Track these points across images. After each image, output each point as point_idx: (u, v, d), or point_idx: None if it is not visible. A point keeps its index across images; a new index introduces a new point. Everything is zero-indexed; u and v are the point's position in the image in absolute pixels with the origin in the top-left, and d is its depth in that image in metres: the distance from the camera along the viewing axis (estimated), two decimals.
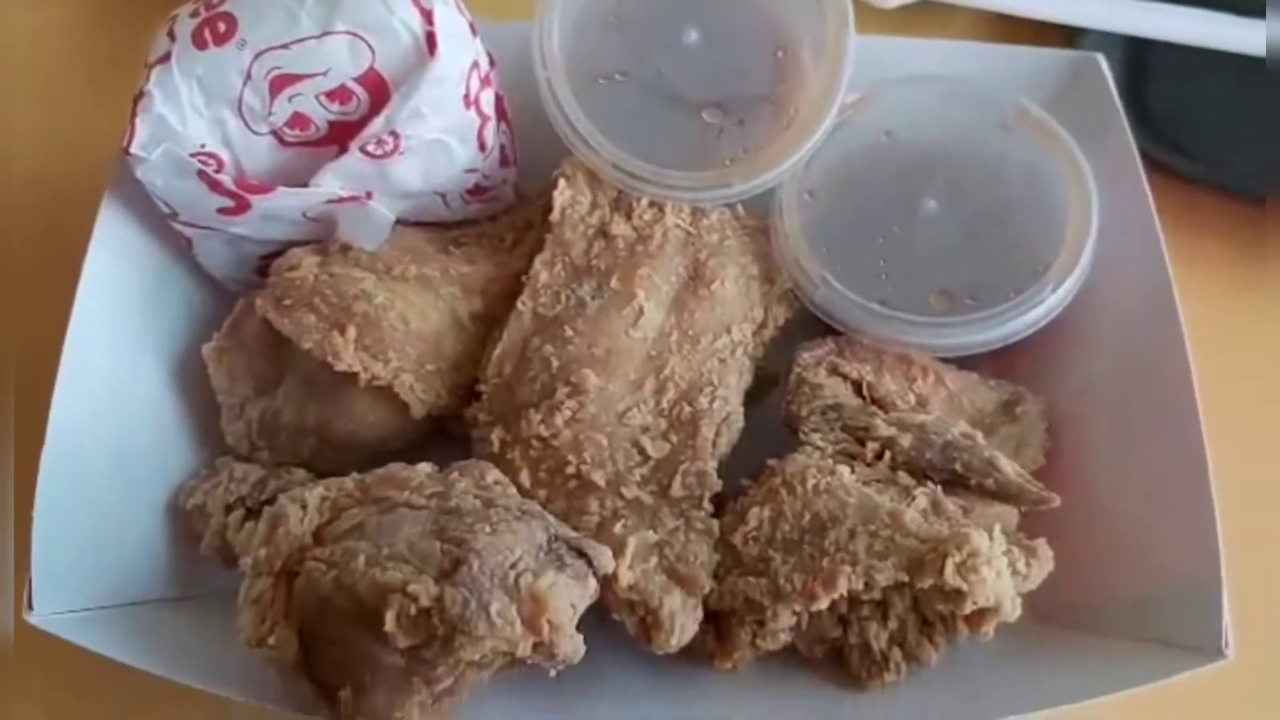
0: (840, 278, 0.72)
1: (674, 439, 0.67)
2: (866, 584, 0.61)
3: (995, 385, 0.76)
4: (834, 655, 0.67)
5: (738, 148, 0.73)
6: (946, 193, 0.75)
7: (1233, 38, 0.86)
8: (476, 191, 0.76)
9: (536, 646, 0.53)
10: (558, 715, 0.64)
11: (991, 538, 0.61)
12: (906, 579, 0.61)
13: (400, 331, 0.68)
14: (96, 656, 0.59)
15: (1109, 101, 0.79)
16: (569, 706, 0.64)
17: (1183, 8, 0.89)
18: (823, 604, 0.61)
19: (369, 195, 0.71)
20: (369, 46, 0.66)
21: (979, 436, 0.69)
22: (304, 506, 0.57)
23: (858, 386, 0.72)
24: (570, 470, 0.65)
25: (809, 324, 0.76)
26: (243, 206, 0.68)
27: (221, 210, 0.68)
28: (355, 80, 0.67)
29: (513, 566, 0.54)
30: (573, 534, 0.58)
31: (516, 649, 0.52)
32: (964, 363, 0.75)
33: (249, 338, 0.71)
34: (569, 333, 0.68)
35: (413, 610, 0.51)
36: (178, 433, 0.72)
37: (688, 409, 0.68)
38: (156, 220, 0.71)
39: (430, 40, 0.66)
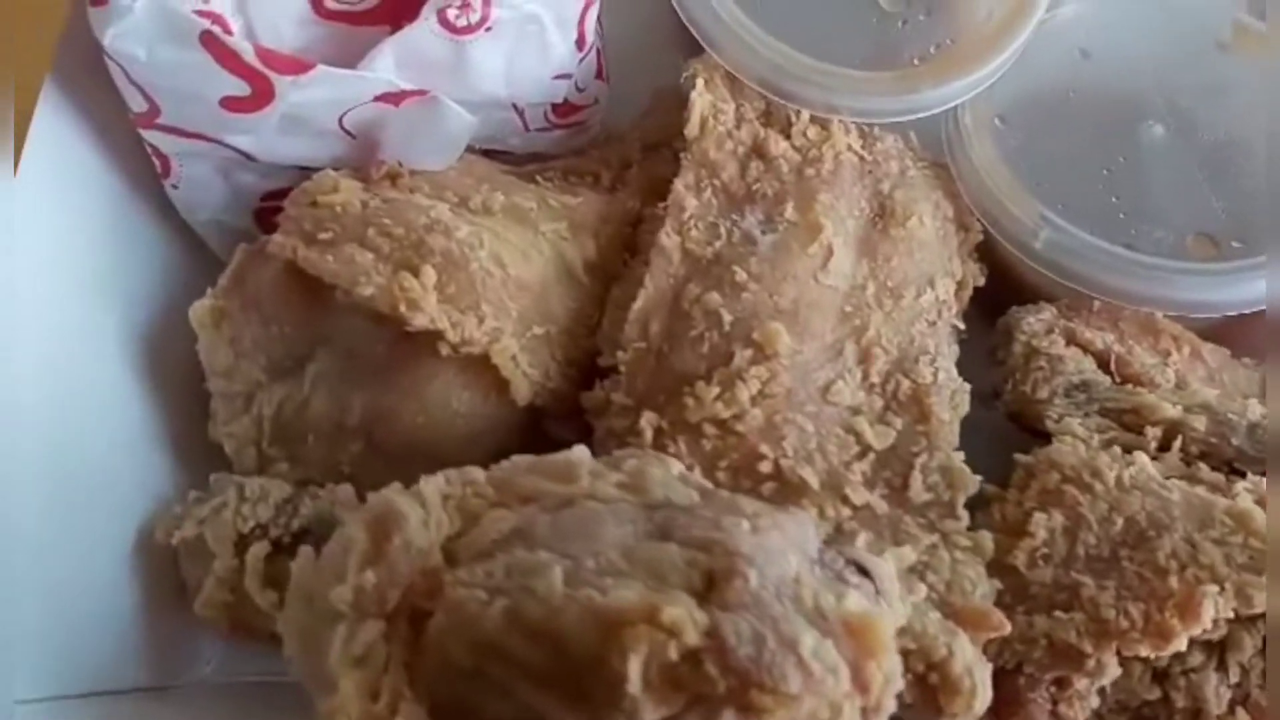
0: (1067, 217, 0.54)
1: (898, 423, 0.47)
2: (1237, 610, 0.42)
3: (1251, 364, 0.58)
4: None
5: (926, 44, 0.55)
6: (1172, 118, 0.58)
7: None
8: (564, 110, 0.55)
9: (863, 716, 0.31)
10: None
11: None
12: None
13: (496, 278, 0.47)
14: None
15: None
16: None
17: None
18: (1181, 642, 0.42)
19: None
20: None
21: None
22: (424, 504, 0.35)
23: (1103, 360, 0.53)
24: (766, 467, 0.45)
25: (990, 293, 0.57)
26: (263, 95, 0.46)
27: (229, 102, 0.46)
28: None
29: (797, 582, 0.32)
30: (844, 546, 0.37)
31: (840, 716, 0.30)
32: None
33: (262, 294, 0.48)
34: (740, 276, 0.48)
35: (673, 653, 0.29)
36: (148, 441, 0.48)
37: (906, 383, 0.48)
38: (118, 129, 0.48)
39: None
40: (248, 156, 0.49)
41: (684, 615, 0.30)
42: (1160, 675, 0.45)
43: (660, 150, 0.57)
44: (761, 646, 0.30)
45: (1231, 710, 0.45)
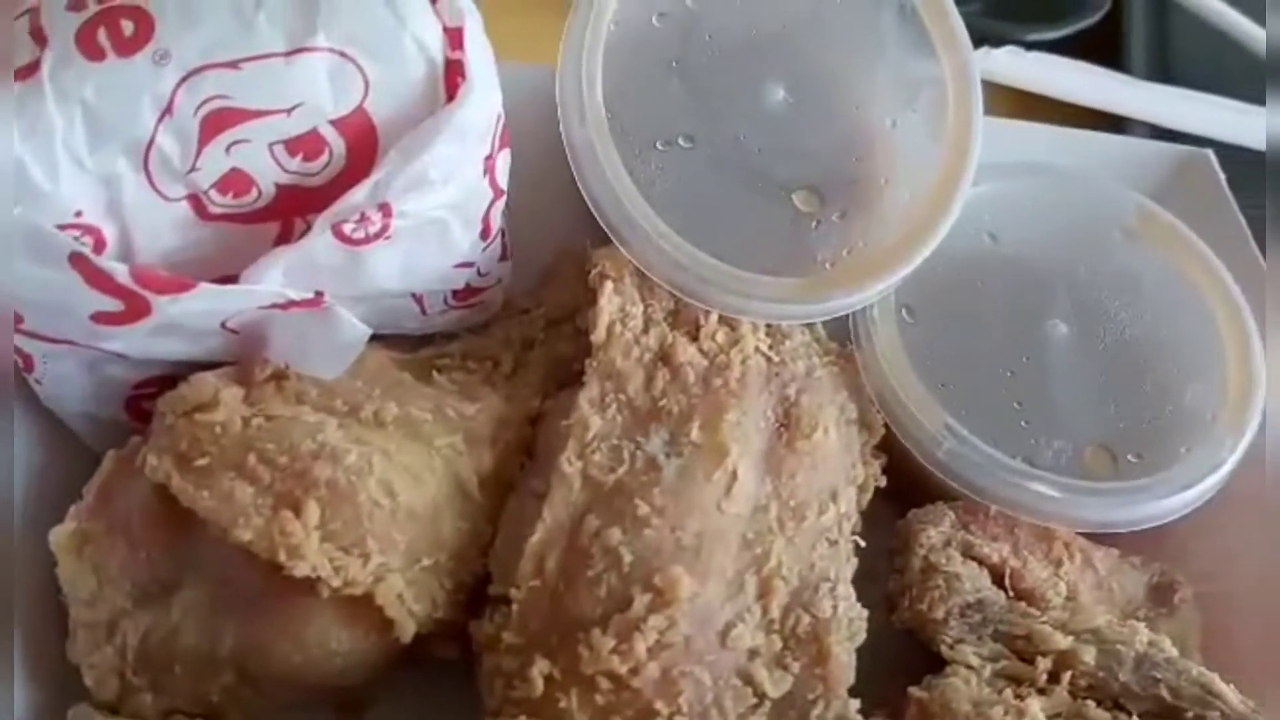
0: (970, 425, 0.54)
1: (795, 667, 0.46)
2: None
3: (1139, 564, 0.58)
4: None
5: (839, 247, 0.54)
6: (1077, 314, 0.58)
7: None
8: (464, 294, 0.53)
9: None
10: None
11: None
12: None
13: (384, 508, 0.45)
14: None
15: (1225, 206, 0.65)
16: None
17: None
18: None
19: (319, 294, 0.47)
20: (361, 74, 0.43)
21: (1168, 644, 0.51)
22: None
23: (997, 574, 0.53)
24: None
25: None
26: (137, 311, 0.43)
27: (100, 317, 0.43)
28: (333, 124, 0.44)
29: None
30: None
31: None
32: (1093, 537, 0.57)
33: (129, 516, 0.45)
34: (643, 509, 0.46)
35: None
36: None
37: (806, 619, 0.47)
38: None
39: (453, 72, 0.44)
40: (118, 355, 0.46)
41: None
42: None
43: (562, 326, 0.55)
44: None
45: None
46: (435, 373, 0.51)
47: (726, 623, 0.46)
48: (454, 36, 0.44)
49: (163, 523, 0.44)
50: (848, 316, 0.56)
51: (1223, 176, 0.66)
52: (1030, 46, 0.77)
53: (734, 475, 0.48)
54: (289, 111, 0.43)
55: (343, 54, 0.43)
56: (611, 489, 0.47)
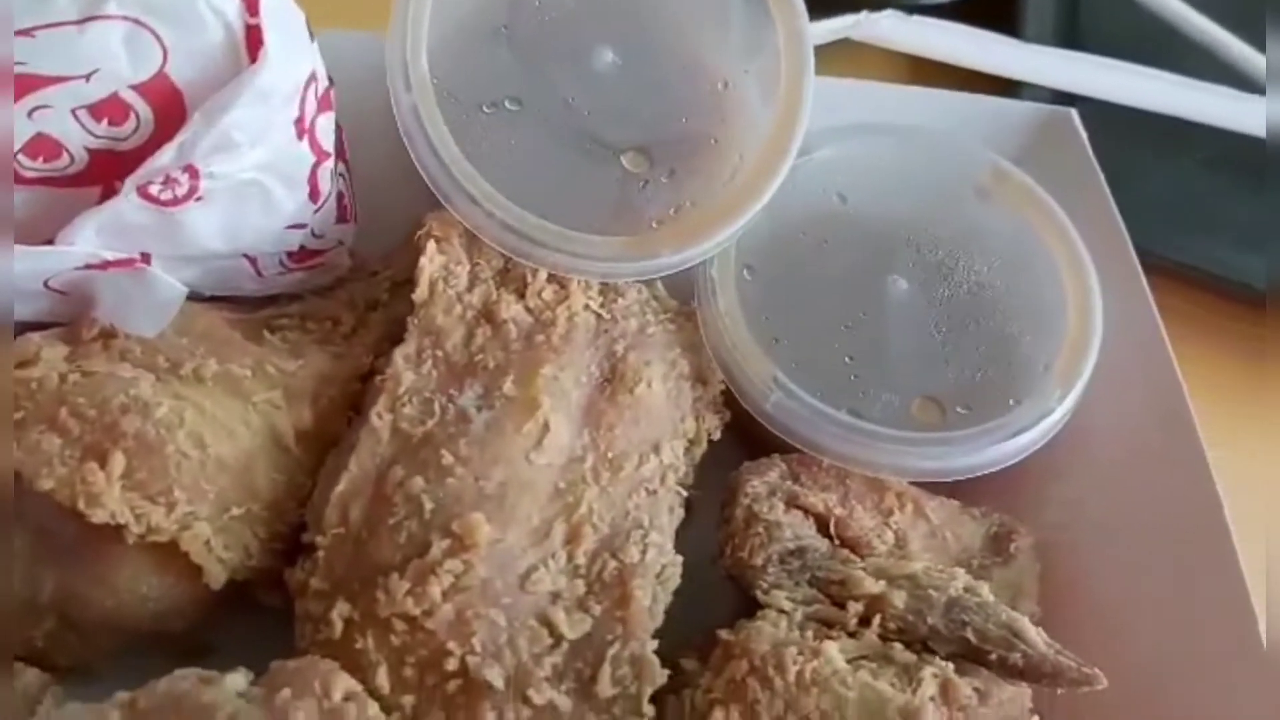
0: (798, 379, 0.55)
1: (597, 609, 0.48)
2: None
3: (979, 515, 0.59)
4: None
5: (667, 206, 0.55)
6: (920, 270, 0.60)
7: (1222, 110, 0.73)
8: (301, 255, 0.55)
9: None
10: None
11: None
12: None
13: (192, 459, 0.46)
14: None
15: (1086, 165, 0.66)
16: None
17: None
18: None
19: (145, 258, 0.49)
20: (158, 41, 0.45)
21: (985, 590, 0.52)
22: None
23: (823, 522, 0.55)
24: (452, 665, 0.45)
25: (735, 437, 0.59)
26: None
27: None
28: (135, 89, 0.45)
29: None
30: None
31: None
32: (929, 486, 0.59)
33: None
34: (447, 459, 0.48)
35: None
36: None
37: (612, 564, 0.49)
38: None
39: (253, 36, 0.46)
40: None
41: None
42: None
43: (406, 288, 0.57)
44: None
45: None
46: (268, 332, 0.53)
47: (528, 567, 0.47)
48: (250, 2, 0.45)
49: None
50: (692, 277, 0.58)
51: (1084, 134, 0.67)
52: (921, 11, 0.78)
53: (545, 427, 0.50)
54: (86, 78, 0.44)
55: (137, 21, 0.44)
56: (420, 441, 0.49)
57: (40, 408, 0.45)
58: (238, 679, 0.40)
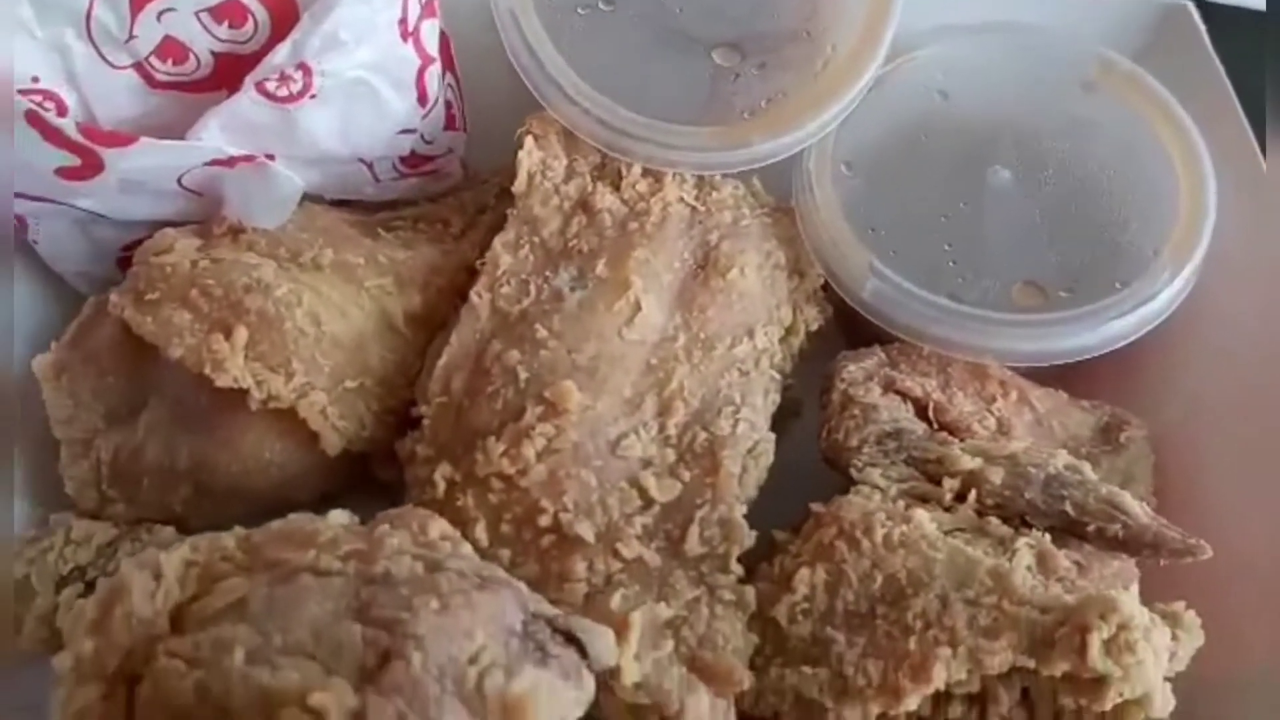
0: (896, 266, 0.55)
1: (686, 476, 0.49)
2: (971, 672, 0.43)
3: (1090, 407, 0.58)
4: None
5: (758, 98, 0.56)
6: (1022, 162, 0.59)
7: None
8: (413, 161, 0.58)
9: None
10: None
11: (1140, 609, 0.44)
12: (1030, 664, 0.43)
13: (309, 335, 0.50)
14: None
15: (1205, 59, 0.64)
16: None
17: None
18: (911, 702, 0.44)
19: (270, 158, 0.53)
20: None
21: (1087, 468, 0.51)
22: (157, 575, 0.38)
23: (921, 408, 0.55)
24: (545, 521, 0.47)
25: (839, 336, 0.59)
26: (92, 166, 0.49)
27: (63, 172, 0.49)
28: None
29: (472, 661, 0.35)
30: (556, 611, 0.40)
31: None
32: (1044, 383, 0.58)
33: (100, 348, 0.52)
34: (541, 333, 0.50)
35: None
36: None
37: (703, 435, 0.50)
38: None
39: None
40: (100, 216, 0.53)
41: (331, 700, 0.33)
42: None
43: None
44: None
45: None
46: (382, 230, 0.56)
47: (619, 434, 0.49)
48: None
49: (127, 352, 0.51)
50: (791, 175, 0.59)
51: (1203, 28, 0.65)
52: None
53: (637, 306, 0.51)
54: None
55: None
56: (516, 318, 0.51)
57: (173, 288, 0.50)
58: (341, 515, 0.43)
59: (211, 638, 0.36)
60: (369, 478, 0.54)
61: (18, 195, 0.51)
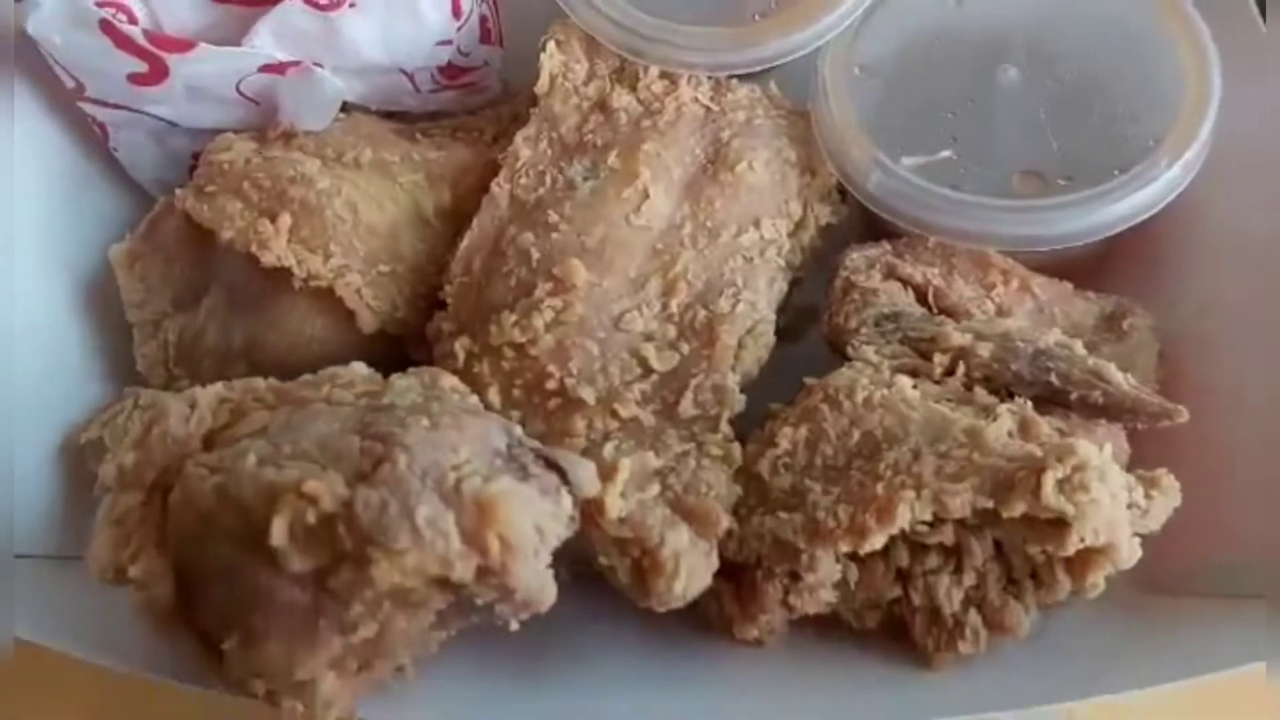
0: (900, 160, 0.58)
1: (685, 349, 0.53)
2: (936, 515, 0.46)
3: (1094, 297, 0.60)
4: (890, 625, 0.51)
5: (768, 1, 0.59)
6: (1029, 60, 0.61)
7: None
8: (451, 72, 0.63)
9: (484, 575, 0.39)
10: (528, 705, 0.49)
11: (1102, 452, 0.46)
12: (990, 505, 0.46)
13: (347, 223, 0.55)
14: None
15: None
16: (542, 694, 0.49)
17: None
18: (877, 541, 0.46)
19: (318, 66, 0.58)
20: None
21: (1077, 345, 0.53)
22: (193, 405, 0.44)
23: (921, 293, 0.57)
24: (551, 385, 0.51)
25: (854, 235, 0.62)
26: (159, 72, 0.55)
27: (134, 78, 0.56)
28: None
29: (455, 469, 0.40)
30: (543, 446, 0.44)
31: (453, 572, 0.38)
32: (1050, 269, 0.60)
33: (168, 239, 0.58)
34: (554, 218, 0.55)
35: (311, 517, 0.37)
36: (83, 363, 0.59)
37: (703, 313, 0.54)
38: (70, 105, 0.59)
39: None
40: (171, 123, 0.59)
41: (323, 488, 0.38)
42: (903, 575, 0.50)
43: None
44: (384, 513, 0.37)
45: (964, 609, 0.50)
46: (420, 135, 0.61)
47: (623, 310, 0.53)
48: None
49: (191, 243, 0.57)
50: (811, 79, 0.62)
51: None
52: None
53: (645, 194, 0.55)
54: None
55: None
56: (532, 205, 0.56)
57: (229, 181, 0.56)
58: (362, 366, 0.48)
59: (233, 452, 0.41)
60: (405, 364, 0.59)
61: (97, 103, 0.58)
